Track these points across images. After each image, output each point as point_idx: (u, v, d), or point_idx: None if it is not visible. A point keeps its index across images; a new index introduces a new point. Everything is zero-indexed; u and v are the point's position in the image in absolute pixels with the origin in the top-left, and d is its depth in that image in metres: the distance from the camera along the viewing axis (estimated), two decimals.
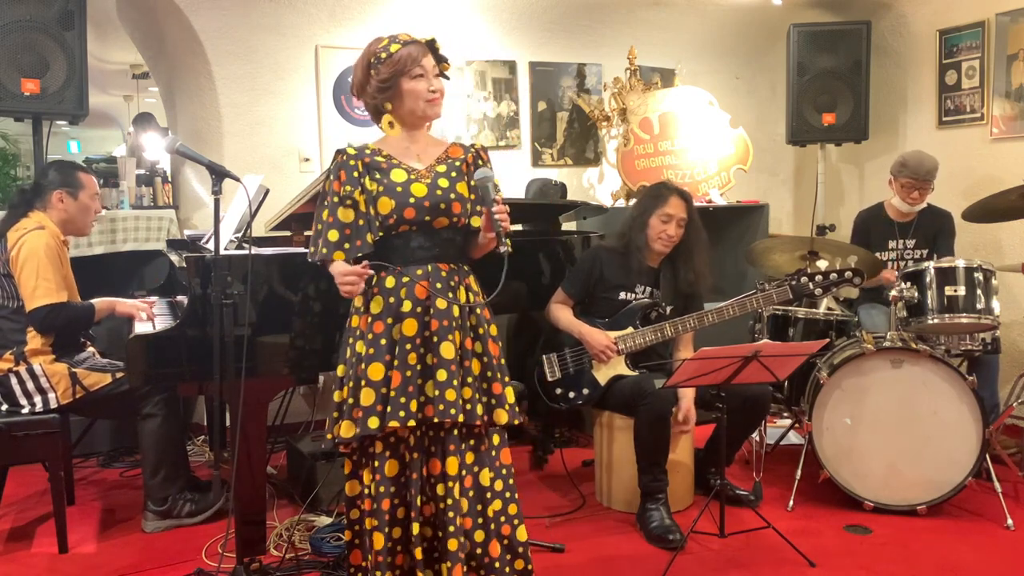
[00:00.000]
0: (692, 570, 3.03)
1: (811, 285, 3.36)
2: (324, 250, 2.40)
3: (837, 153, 5.82)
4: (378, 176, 2.42)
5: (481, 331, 2.47)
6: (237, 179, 2.88)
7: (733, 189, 5.39)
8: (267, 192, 3.76)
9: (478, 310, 2.48)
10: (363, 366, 2.39)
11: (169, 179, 5.29)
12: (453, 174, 2.49)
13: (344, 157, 2.44)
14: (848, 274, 3.35)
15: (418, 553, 2.40)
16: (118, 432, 4.44)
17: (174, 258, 4.04)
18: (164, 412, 3.41)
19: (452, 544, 2.37)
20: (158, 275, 4.45)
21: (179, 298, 3.83)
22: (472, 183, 2.47)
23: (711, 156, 5.34)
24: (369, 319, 2.43)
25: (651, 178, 4.96)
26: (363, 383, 2.37)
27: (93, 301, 3.55)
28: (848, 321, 3.99)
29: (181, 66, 4.86)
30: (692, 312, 3.54)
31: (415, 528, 2.39)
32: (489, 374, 2.46)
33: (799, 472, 3.62)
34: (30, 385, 3.32)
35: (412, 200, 2.40)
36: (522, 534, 2.49)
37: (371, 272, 2.38)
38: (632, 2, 5.43)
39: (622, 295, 3.62)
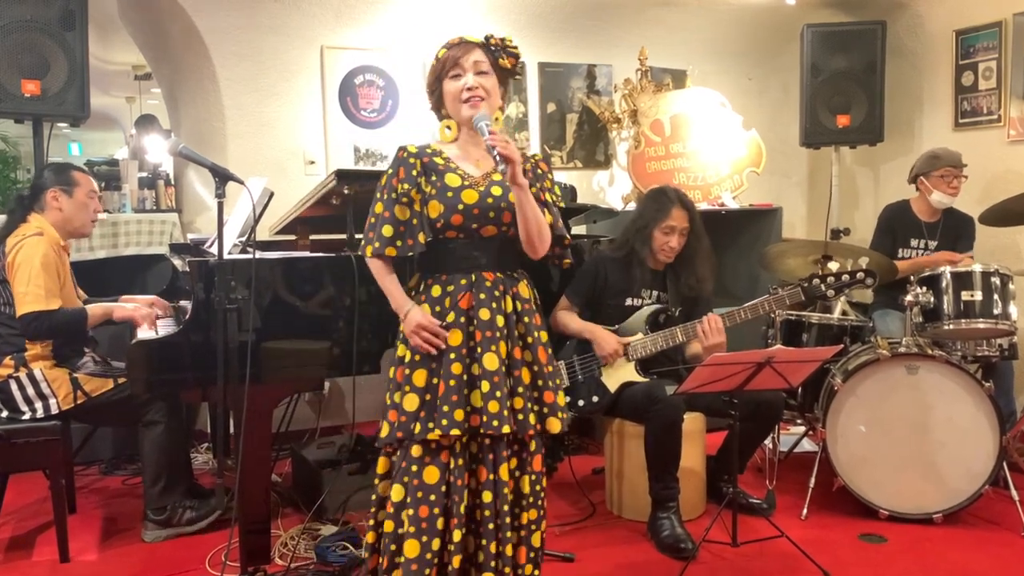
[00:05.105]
0: None
1: (823, 287, 3.31)
2: (377, 244, 2.40)
3: (852, 155, 5.76)
4: (433, 178, 2.41)
5: (530, 339, 2.44)
6: (241, 182, 2.87)
7: (746, 192, 5.33)
8: (271, 195, 3.74)
9: (526, 318, 2.45)
10: (407, 371, 2.38)
11: (172, 182, 5.27)
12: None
13: (405, 154, 2.43)
14: (860, 275, 3.29)
15: (456, 561, 2.35)
16: (120, 439, 4.40)
17: (177, 262, 4.00)
18: (166, 419, 3.36)
19: (507, 550, 2.38)
20: (161, 279, 4.41)
21: (182, 303, 3.79)
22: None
23: (723, 158, 5.28)
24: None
25: (662, 181, 4.91)
26: (407, 388, 2.36)
27: (88, 307, 3.48)
28: (863, 326, 3.94)
29: (184, 67, 4.83)
30: (700, 315, 3.49)
31: (456, 535, 2.35)
32: (540, 383, 2.44)
33: (813, 480, 3.58)
34: (30, 391, 3.27)
35: (461, 207, 2.38)
36: (536, 540, 2.48)
37: (446, 334, 2.36)
38: (643, 2, 5.38)
39: (628, 301, 3.59)
